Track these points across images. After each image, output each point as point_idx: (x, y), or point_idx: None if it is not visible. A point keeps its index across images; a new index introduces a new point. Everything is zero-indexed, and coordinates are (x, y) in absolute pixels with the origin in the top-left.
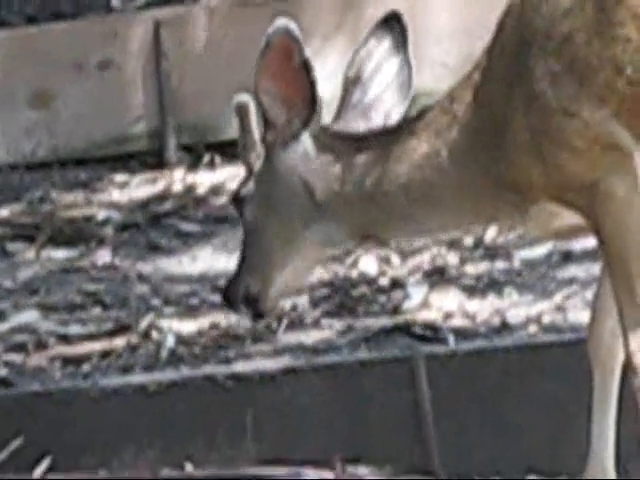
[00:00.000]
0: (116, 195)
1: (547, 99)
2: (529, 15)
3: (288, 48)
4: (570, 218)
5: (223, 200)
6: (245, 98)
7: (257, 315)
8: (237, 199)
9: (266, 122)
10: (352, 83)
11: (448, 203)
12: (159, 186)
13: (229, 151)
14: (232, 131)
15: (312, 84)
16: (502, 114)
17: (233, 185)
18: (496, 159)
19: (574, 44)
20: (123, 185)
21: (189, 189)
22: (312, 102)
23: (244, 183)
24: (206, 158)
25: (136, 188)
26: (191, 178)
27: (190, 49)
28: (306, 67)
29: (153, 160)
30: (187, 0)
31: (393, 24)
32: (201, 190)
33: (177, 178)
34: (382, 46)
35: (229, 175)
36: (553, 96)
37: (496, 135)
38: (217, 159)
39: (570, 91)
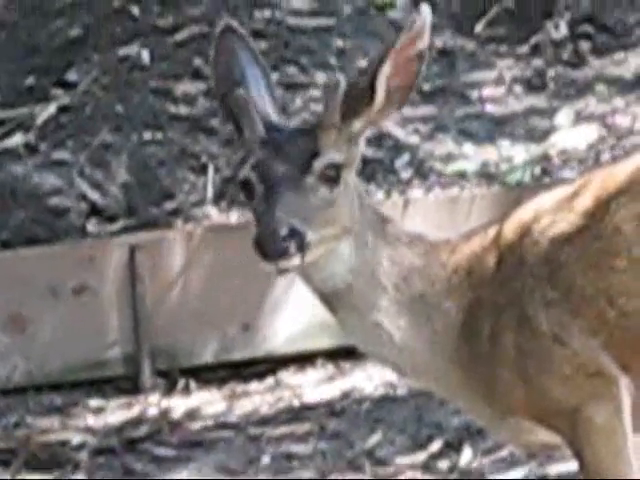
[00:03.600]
0: (91, 420)
1: (539, 323)
2: (534, 238)
3: (418, 32)
4: (543, 435)
5: (198, 425)
6: (338, 76)
7: (300, 248)
8: (334, 165)
9: (354, 109)
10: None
11: (419, 339)
12: (134, 411)
13: (204, 376)
14: (207, 356)
15: (417, 74)
16: (493, 323)
17: (208, 410)
18: (478, 364)
19: (571, 272)
20: (98, 410)
21: (164, 414)
22: (410, 92)
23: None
24: (181, 383)
25: (111, 413)
26: (166, 403)
27: (165, 274)
28: (422, 56)
29: (128, 385)
30: (162, 225)
31: (231, 35)
32: (176, 415)
33: (152, 403)
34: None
35: (204, 400)
36: (545, 321)
37: (482, 340)
38: (192, 384)
39: (563, 319)
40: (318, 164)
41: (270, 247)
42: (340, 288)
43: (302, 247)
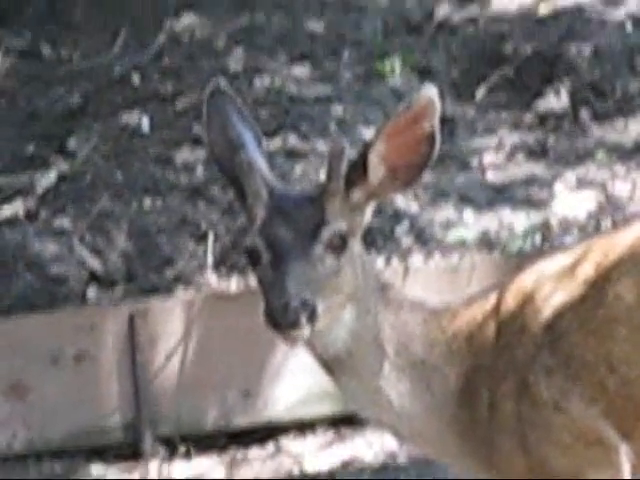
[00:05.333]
0: None
1: (539, 391)
2: (535, 305)
3: (423, 112)
4: None
5: None
6: (343, 143)
7: (310, 318)
8: (341, 234)
9: (355, 178)
10: (249, 164)
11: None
12: (135, 477)
13: (205, 443)
14: (208, 423)
15: (428, 155)
16: (492, 390)
17: (210, 477)
18: (478, 430)
19: (572, 340)
20: (100, 477)
21: None
22: (420, 171)
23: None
24: (182, 449)
25: None
26: (167, 469)
27: (165, 341)
28: (431, 137)
29: (129, 452)
30: (162, 292)
31: (221, 97)
32: None
33: (153, 469)
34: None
35: (205, 466)
36: (546, 389)
37: (482, 407)
38: (193, 450)
39: (563, 387)
40: (326, 233)
41: (282, 318)
42: (341, 353)
43: (312, 317)
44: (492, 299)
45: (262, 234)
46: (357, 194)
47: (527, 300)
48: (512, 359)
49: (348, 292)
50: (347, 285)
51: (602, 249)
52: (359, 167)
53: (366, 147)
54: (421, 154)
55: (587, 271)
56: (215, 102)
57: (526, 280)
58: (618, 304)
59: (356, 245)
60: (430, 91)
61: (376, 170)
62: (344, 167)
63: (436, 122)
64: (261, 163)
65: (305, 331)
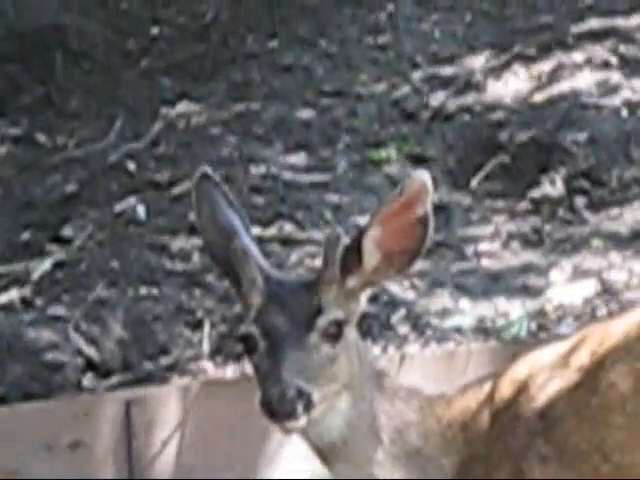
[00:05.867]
0: None
1: (534, 479)
2: (530, 393)
3: (415, 197)
4: None
5: None
6: (338, 231)
7: (306, 408)
8: (337, 322)
9: (350, 265)
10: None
11: None
12: None
13: None
14: None
15: (423, 239)
16: (487, 478)
17: None
18: None
19: (566, 428)
20: None
21: None
22: (415, 256)
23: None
24: None
25: None
26: None
27: (161, 429)
28: (424, 222)
29: None
30: (158, 380)
31: (208, 185)
32: None
33: None
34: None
35: None
36: (540, 477)
37: None
38: None
39: (557, 475)
40: (321, 321)
41: (278, 408)
42: (336, 441)
43: (308, 407)
44: (486, 388)
45: (258, 322)
46: (352, 281)
47: (521, 389)
48: (506, 447)
49: (344, 380)
50: (343, 373)
51: (597, 337)
52: (354, 253)
53: (360, 233)
54: (415, 239)
55: (582, 359)
56: (203, 189)
57: (520, 369)
58: (612, 392)
59: (352, 333)
60: (422, 175)
61: (371, 256)
62: (340, 254)
63: (429, 206)
64: (254, 250)
65: (301, 421)
